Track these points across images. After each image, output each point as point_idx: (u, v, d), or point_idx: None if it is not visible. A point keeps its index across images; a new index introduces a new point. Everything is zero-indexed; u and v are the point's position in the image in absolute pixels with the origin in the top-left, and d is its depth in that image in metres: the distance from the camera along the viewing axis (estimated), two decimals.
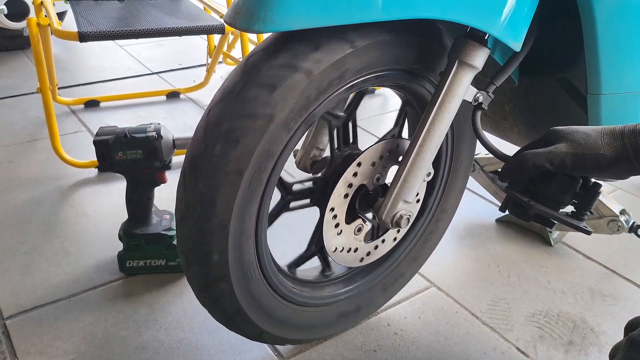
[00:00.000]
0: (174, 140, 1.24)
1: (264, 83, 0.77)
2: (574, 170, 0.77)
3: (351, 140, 0.99)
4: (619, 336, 1.00)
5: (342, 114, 0.95)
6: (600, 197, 1.35)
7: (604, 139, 0.75)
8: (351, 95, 0.96)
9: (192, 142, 0.81)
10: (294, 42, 0.78)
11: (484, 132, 0.91)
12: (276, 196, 0.94)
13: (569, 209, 0.83)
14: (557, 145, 0.77)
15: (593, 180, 0.81)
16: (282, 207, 0.99)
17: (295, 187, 0.99)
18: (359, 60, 0.82)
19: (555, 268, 1.40)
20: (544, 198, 0.81)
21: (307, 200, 1.01)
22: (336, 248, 0.98)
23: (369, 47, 0.82)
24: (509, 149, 0.97)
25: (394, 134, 1.01)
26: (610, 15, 0.89)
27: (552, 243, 1.48)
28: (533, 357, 1.13)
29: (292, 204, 1.00)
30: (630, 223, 1.34)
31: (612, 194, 1.77)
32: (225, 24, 1.37)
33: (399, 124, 1.03)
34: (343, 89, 0.84)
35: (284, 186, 0.97)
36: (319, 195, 0.99)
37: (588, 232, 0.81)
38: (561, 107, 1.08)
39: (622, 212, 1.35)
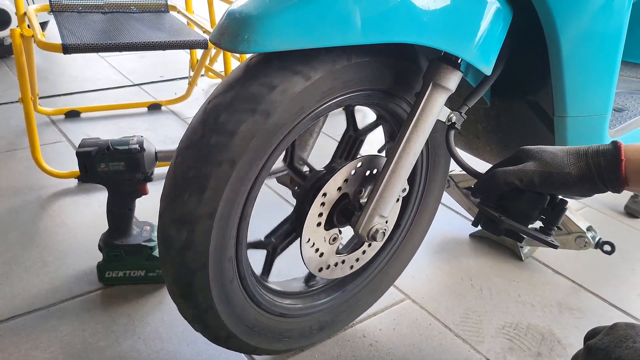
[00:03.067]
0: (156, 152, 1.26)
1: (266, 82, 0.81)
2: (542, 188, 0.81)
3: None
4: None
5: (354, 131, 1.04)
6: (569, 214, 1.39)
7: (569, 158, 0.79)
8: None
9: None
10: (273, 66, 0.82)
11: (458, 150, 0.95)
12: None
13: (539, 224, 0.87)
14: (527, 164, 0.81)
15: (560, 197, 0.85)
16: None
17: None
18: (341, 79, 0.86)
19: (525, 282, 1.44)
20: (514, 213, 0.85)
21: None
22: (321, 268, 1.01)
23: (350, 67, 0.85)
24: (482, 166, 1.02)
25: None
26: (575, 43, 0.94)
27: (523, 258, 1.53)
28: None
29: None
30: (597, 239, 1.39)
31: (580, 211, 1.83)
32: (208, 40, 1.40)
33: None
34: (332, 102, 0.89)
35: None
36: (303, 190, 1.02)
37: (555, 246, 0.85)
38: (530, 128, 1.13)
39: (589, 228, 1.40)
